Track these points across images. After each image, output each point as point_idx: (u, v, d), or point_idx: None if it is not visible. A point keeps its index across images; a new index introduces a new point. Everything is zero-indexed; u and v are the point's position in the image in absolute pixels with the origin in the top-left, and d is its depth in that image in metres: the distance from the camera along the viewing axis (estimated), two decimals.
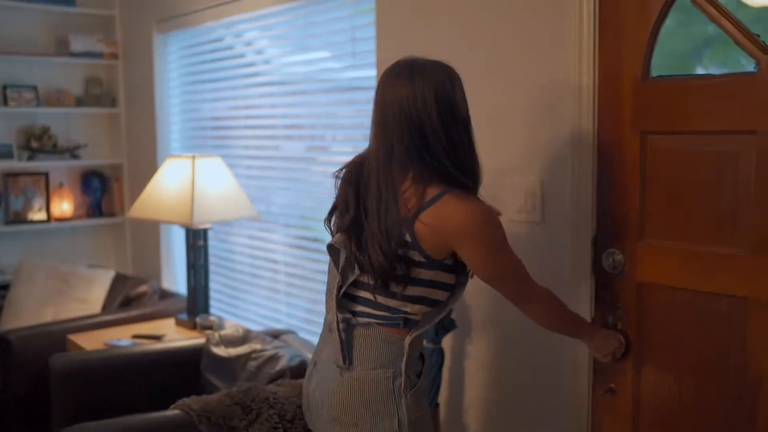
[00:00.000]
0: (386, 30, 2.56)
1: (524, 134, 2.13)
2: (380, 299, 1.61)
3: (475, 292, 2.26)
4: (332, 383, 1.65)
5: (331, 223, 1.75)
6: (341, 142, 3.08)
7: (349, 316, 1.65)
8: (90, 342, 2.98)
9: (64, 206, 4.25)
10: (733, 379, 1.74)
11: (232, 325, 3.04)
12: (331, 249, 1.67)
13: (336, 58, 2.99)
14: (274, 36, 3.33)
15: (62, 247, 4.31)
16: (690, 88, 1.76)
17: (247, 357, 2.60)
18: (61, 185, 4.27)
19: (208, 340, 2.77)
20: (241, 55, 3.60)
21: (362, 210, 1.63)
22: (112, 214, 4.41)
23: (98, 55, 4.24)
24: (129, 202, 4.37)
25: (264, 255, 3.39)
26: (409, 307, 1.62)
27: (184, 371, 2.77)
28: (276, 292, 3.32)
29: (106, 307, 3.64)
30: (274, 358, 2.53)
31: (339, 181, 1.72)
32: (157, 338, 3.02)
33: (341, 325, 1.64)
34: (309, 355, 2.45)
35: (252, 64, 3.49)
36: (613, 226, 1.91)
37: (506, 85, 2.17)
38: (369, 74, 2.72)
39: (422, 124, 1.57)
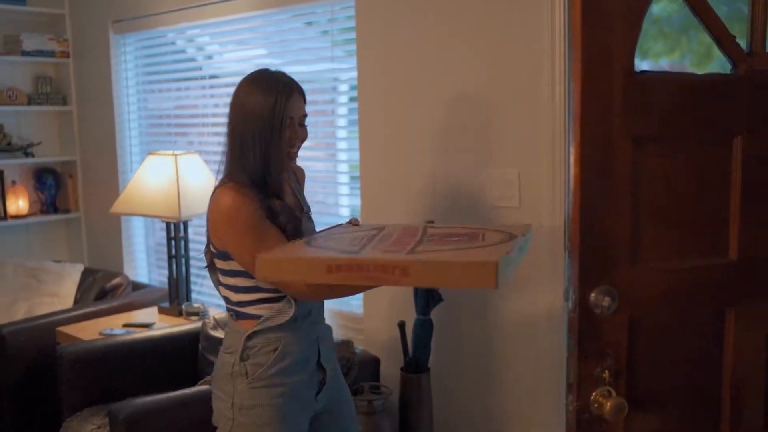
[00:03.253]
0: (365, 33, 2.84)
1: (504, 127, 2.47)
2: (220, 289, 1.99)
3: None
4: None
5: None
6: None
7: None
8: (81, 333, 3.13)
9: (19, 204, 4.29)
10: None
11: (215, 311, 3.26)
12: None
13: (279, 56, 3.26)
14: (229, 41, 3.54)
15: (18, 245, 4.35)
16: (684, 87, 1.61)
17: None
18: (14, 183, 4.31)
19: (204, 324, 2.99)
20: (193, 59, 3.82)
21: None
22: (66, 210, 4.48)
23: (49, 54, 4.29)
24: (83, 198, 4.46)
25: None
26: (235, 297, 1.93)
27: (181, 355, 2.98)
28: None
29: (78, 301, 3.75)
30: None
31: None
32: (147, 326, 3.20)
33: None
34: None
35: (200, 68, 3.73)
36: (601, 254, 1.55)
37: (487, 77, 2.50)
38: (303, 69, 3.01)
39: (226, 128, 1.94)
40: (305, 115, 1.96)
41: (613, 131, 1.54)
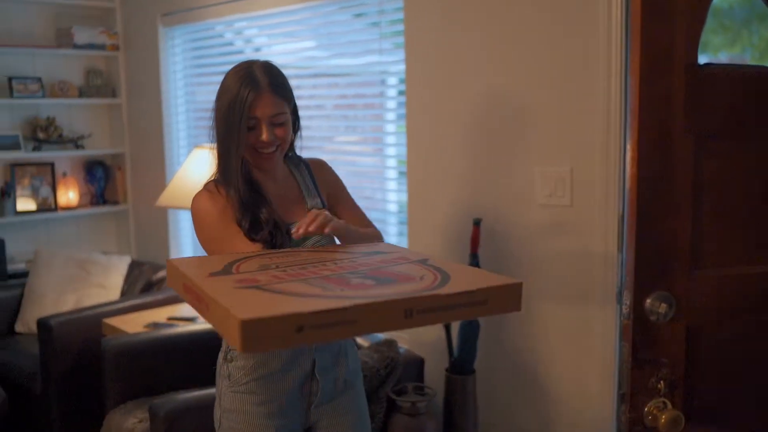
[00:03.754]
0: (414, 29, 2.78)
1: (556, 122, 2.39)
2: None
3: (507, 265, 2.53)
4: None
5: None
6: (344, 132, 3.33)
7: None
8: (126, 325, 3.14)
9: (69, 195, 4.35)
10: None
11: None
12: None
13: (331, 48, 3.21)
14: (277, 33, 3.51)
15: (68, 236, 4.41)
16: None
17: None
18: (65, 175, 4.37)
19: None
20: (241, 51, 3.81)
21: None
22: (115, 202, 4.52)
23: (100, 47, 4.33)
24: (131, 190, 4.49)
25: None
26: None
27: None
28: None
29: (125, 293, 3.78)
30: None
31: None
32: (191, 320, 3.20)
33: None
34: None
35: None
36: (659, 258, 1.46)
37: (539, 70, 2.42)
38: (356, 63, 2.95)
39: None
40: (280, 114, 1.74)
41: (674, 128, 1.45)
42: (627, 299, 1.48)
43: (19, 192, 4.16)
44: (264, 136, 1.72)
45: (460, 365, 2.56)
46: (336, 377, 1.83)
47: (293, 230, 1.65)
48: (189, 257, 1.69)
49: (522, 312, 2.51)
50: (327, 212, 1.68)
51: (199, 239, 1.79)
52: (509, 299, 1.38)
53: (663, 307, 1.46)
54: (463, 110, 2.64)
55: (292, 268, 1.46)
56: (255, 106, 1.70)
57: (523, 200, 2.49)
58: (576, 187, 2.35)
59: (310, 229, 1.62)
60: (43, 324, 3.16)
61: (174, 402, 2.32)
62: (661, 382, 1.50)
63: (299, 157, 1.95)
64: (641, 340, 1.48)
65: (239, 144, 1.71)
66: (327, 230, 1.63)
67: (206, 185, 1.80)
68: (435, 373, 2.70)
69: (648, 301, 1.46)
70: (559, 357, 2.46)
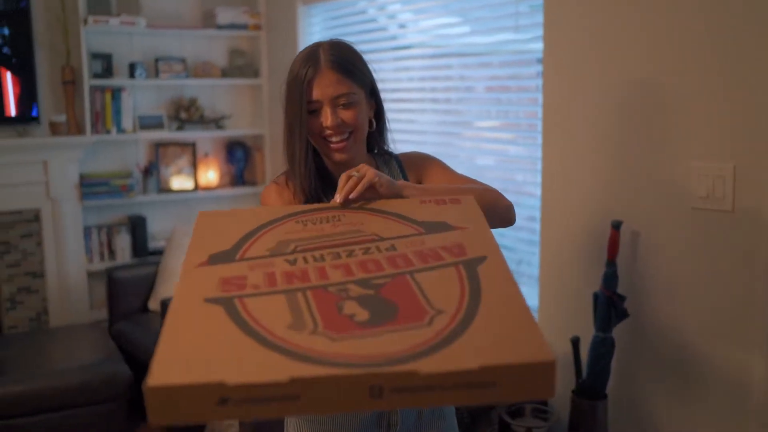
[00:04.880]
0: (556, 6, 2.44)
1: (714, 110, 1.99)
2: None
3: (650, 278, 2.17)
4: None
5: None
6: (480, 117, 3.02)
7: None
8: None
9: (209, 175, 4.38)
10: None
11: None
12: None
13: (483, 26, 2.91)
14: (422, 9, 3.26)
15: None
16: None
17: None
18: (206, 155, 4.40)
19: None
20: (384, 28, 3.59)
21: None
22: (253, 183, 4.51)
23: (242, 27, 4.30)
24: (270, 171, 4.46)
25: None
26: None
27: None
28: None
29: None
30: None
31: None
32: None
33: None
34: None
35: (396, 37, 3.47)
36: None
37: (693, 52, 2.02)
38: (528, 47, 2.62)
39: None
40: (345, 95, 1.48)
41: None
42: None
43: (161, 171, 4.23)
44: (327, 121, 1.48)
45: (590, 388, 2.24)
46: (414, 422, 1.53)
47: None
48: (226, 211, 1.43)
49: (668, 331, 2.15)
50: (365, 168, 1.38)
51: None
52: (534, 382, 0.95)
53: None
54: (605, 96, 2.28)
55: (309, 252, 1.24)
56: (313, 85, 1.47)
57: (672, 202, 2.11)
58: (739, 189, 1.95)
59: (339, 198, 1.35)
60: (165, 304, 3.15)
61: None
62: None
63: (390, 153, 1.68)
64: None
65: (301, 129, 1.50)
66: (359, 190, 1.34)
67: (277, 177, 1.61)
68: (559, 394, 2.39)
69: None
70: (712, 385, 2.07)
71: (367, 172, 1.36)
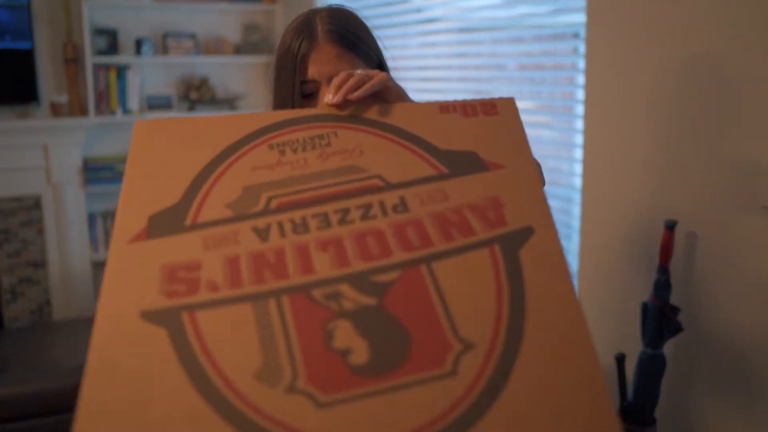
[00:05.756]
0: None
1: None
2: None
3: (710, 288, 1.87)
4: None
5: None
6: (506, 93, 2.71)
7: None
8: None
9: None
10: None
11: None
12: None
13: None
14: None
15: None
16: None
17: None
18: None
19: None
20: (408, 0, 3.29)
21: None
22: None
23: (256, 0, 4.04)
24: None
25: None
26: None
27: None
28: None
29: None
30: None
31: None
32: None
33: None
34: None
35: (420, 10, 3.17)
36: None
37: (763, 26, 1.70)
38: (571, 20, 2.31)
39: None
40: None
41: None
42: None
43: None
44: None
45: (637, 412, 1.96)
46: None
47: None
48: (173, 122, 0.99)
49: (730, 348, 1.85)
50: (374, 72, 1.08)
51: None
52: None
53: None
54: (659, 75, 1.97)
55: (287, 213, 0.87)
56: (308, 61, 1.19)
57: (738, 200, 1.80)
58: None
59: (336, 97, 1.01)
60: None
61: None
62: None
63: None
64: None
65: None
66: (366, 89, 1.03)
67: None
68: None
69: None
70: None
71: (377, 73, 1.06)
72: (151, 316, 0.78)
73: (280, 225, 0.86)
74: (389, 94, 1.07)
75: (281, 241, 0.85)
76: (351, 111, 1.01)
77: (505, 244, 0.85)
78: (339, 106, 1.01)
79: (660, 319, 1.90)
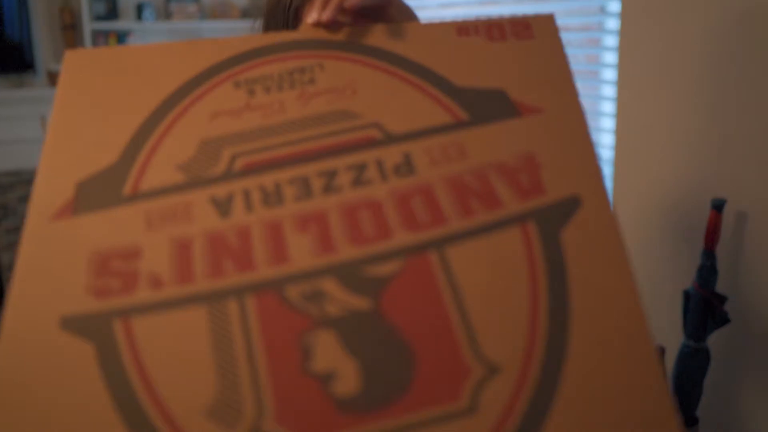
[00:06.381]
0: None
1: None
2: None
3: (761, 275, 1.69)
4: None
5: None
6: None
7: None
8: None
9: None
10: None
11: None
12: None
13: None
14: None
15: None
16: None
17: None
18: None
19: None
20: None
21: None
22: None
23: None
24: None
25: None
26: None
27: None
28: None
29: None
30: None
31: None
32: None
33: None
34: None
35: None
36: None
37: None
38: None
39: None
40: None
41: None
42: None
43: None
44: None
45: (679, 410, 1.80)
46: None
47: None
48: (113, 52, 0.74)
49: None
50: None
51: None
52: None
53: None
54: (702, 33, 1.76)
55: (255, 177, 0.65)
56: (302, 14, 0.97)
57: None
58: None
59: (325, 13, 0.76)
60: None
61: None
62: None
63: None
64: None
65: None
66: (355, 2, 0.79)
67: None
68: None
69: None
70: None
71: None
72: (73, 324, 0.58)
73: (246, 194, 0.65)
74: (393, 11, 0.85)
75: (247, 216, 0.63)
76: (343, 34, 0.76)
77: (542, 221, 0.63)
78: (327, 26, 0.76)
79: (704, 308, 1.74)
